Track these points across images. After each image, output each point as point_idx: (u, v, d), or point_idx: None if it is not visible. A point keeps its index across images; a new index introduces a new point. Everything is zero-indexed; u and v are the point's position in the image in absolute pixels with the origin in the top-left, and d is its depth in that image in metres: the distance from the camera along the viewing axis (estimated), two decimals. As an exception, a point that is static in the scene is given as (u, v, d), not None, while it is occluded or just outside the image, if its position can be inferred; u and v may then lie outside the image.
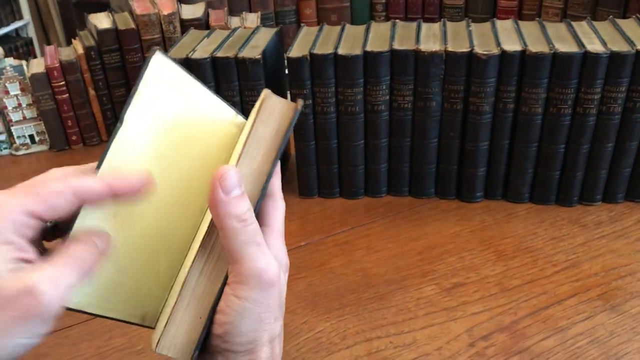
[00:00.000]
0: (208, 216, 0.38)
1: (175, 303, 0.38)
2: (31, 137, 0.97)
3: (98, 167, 0.37)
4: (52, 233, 0.39)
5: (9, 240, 0.33)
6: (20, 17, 2.68)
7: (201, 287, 0.38)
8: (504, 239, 0.72)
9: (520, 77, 0.70)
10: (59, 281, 0.33)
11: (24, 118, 0.96)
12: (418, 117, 0.74)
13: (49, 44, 2.61)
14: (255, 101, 0.74)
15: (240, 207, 0.36)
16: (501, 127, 0.73)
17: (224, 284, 0.38)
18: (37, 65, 0.94)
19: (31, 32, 2.73)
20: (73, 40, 0.99)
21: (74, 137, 0.97)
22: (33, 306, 0.31)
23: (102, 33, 0.92)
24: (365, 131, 0.76)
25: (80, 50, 0.93)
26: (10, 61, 0.94)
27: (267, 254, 0.38)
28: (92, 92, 0.95)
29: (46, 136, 0.97)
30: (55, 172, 0.37)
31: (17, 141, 0.97)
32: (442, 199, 0.80)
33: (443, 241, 0.72)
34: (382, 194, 0.80)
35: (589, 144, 0.73)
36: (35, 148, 0.98)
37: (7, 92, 0.93)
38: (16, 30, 2.62)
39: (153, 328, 0.42)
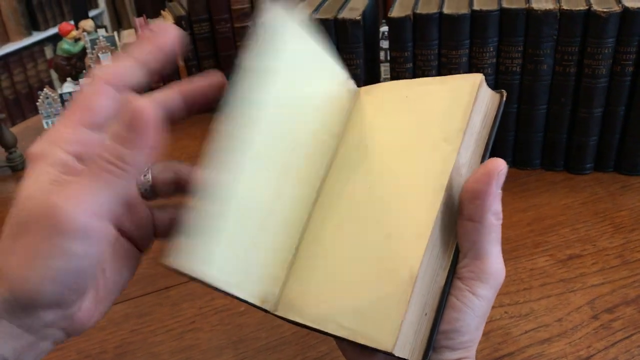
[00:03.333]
0: (426, 205, 0.35)
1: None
2: (121, 108, 0.97)
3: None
4: (152, 193, 0.39)
5: (57, 160, 0.32)
6: (96, 6, 2.75)
7: (425, 284, 0.34)
8: (620, 211, 0.67)
9: (643, 37, 0.65)
10: (74, 191, 0.30)
11: (115, 89, 0.96)
12: (527, 81, 0.70)
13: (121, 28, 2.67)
14: (352, 65, 0.72)
15: (500, 204, 0.35)
16: (618, 91, 0.68)
17: (449, 279, 0.35)
18: (128, 36, 0.94)
19: (105, 21, 2.80)
20: (162, 12, 0.99)
21: (162, 108, 0.97)
22: (47, 221, 0.29)
23: (192, 2, 0.92)
24: (468, 97, 0.72)
25: (171, 20, 0.93)
26: (103, 32, 0.95)
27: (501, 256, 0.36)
28: (180, 63, 0.95)
29: (135, 107, 0.97)
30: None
31: (107, 112, 0.97)
32: (547, 170, 0.75)
33: (553, 213, 0.68)
34: (482, 165, 0.76)
35: None
36: (124, 119, 0.98)
37: (99, 63, 0.94)
38: (91, 19, 2.68)
39: (269, 312, 0.38)
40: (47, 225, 0.29)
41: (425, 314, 0.34)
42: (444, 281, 0.35)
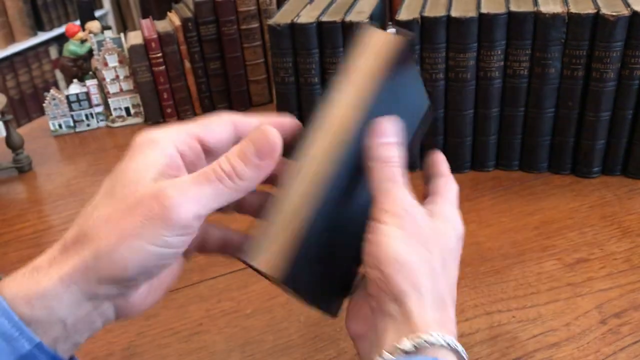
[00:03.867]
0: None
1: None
2: (127, 109, 0.98)
3: None
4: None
5: (168, 153, 0.35)
6: (101, 7, 2.75)
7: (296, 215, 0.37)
8: (628, 215, 0.67)
9: (651, 40, 0.65)
10: (187, 189, 0.33)
11: (121, 90, 0.96)
12: (534, 85, 0.70)
13: (126, 30, 2.67)
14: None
15: (391, 151, 0.38)
16: (626, 95, 0.68)
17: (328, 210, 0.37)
18: (134, 37, 0.94)
19: (110, 21, 2.80)
20: (168, 13, 0.99)
21: (168, 110, 0.97)
22: (156, 209, 0.32)
23: (199, 4, 0.92)
24: (475, 99, 0.72)
25: (177, 22, 0.93)
26: (109, 34, 0.95)
27: (408, 192, 0.38)
28: (187, 64, 0.95)
29: (141, 109, 0.98)
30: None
31: (114, 113, 0.98)
32: (555, 173, 0.75)
33: (561, 216, 0.67)
34: (489, 168, 0.76)
35: None
36: (130, 120, 0.98)
37: (105, 64, 0.94)
38: (98, 19, 2.69)
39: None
40: (154, 212, 0.32)
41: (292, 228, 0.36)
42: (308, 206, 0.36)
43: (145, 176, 0.33)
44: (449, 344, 0.35)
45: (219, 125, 0.37)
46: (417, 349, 0.34)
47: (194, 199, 0.33)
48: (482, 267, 0.61)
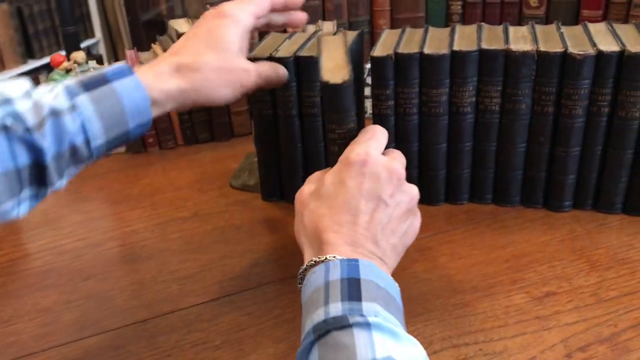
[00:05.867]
0: None
1: None
2: (109, 138, 0.98)
3: None
4: None
5: (244, 33, 0.60)
6: (93, 36, 2.78)
7: None
8: (597, 250, 0.68)
9: (618, 79, 0.67)
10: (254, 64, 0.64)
11: (103, 120, 0.97)
12: (505, 120, 0.71)
13: (117, 60, 2.69)
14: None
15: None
16: (594, 131, 0.70)
17: None
18: (118, 68, 0.96)
19: (101, 50, 2.82)
20: (153, 45, 1.00)
21: (150, 140, 0.98)
22: (244, 79, 0.61)
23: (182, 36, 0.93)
24: (448, 134, 0.73)
25: (161, 53, 0.94)
26: (93, 64, 0.97)
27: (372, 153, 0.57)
28: (169, 95, 0.96)
29: (123, 138, 0.98)
30: None
31: (95, 142, 0.98)
32: (527, 207, 0.76)
33: (531, 250, 0.68)
34: (463, 201, 0.77)
35: (691, 152, 0.68)
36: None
37: (88, 94, 0.95)
38: (88, 47, 2.71)
39: None
40: (243, 80, 0.60)
41: None
42: None
43: (233, 49, 0.58)
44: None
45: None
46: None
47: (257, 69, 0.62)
48: (452, 300, 0.61)
